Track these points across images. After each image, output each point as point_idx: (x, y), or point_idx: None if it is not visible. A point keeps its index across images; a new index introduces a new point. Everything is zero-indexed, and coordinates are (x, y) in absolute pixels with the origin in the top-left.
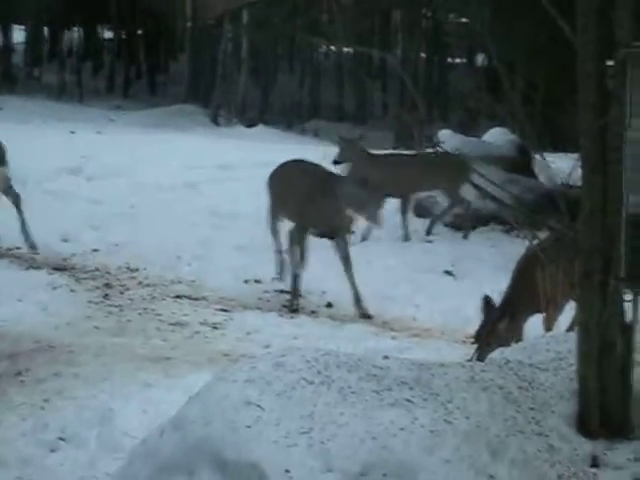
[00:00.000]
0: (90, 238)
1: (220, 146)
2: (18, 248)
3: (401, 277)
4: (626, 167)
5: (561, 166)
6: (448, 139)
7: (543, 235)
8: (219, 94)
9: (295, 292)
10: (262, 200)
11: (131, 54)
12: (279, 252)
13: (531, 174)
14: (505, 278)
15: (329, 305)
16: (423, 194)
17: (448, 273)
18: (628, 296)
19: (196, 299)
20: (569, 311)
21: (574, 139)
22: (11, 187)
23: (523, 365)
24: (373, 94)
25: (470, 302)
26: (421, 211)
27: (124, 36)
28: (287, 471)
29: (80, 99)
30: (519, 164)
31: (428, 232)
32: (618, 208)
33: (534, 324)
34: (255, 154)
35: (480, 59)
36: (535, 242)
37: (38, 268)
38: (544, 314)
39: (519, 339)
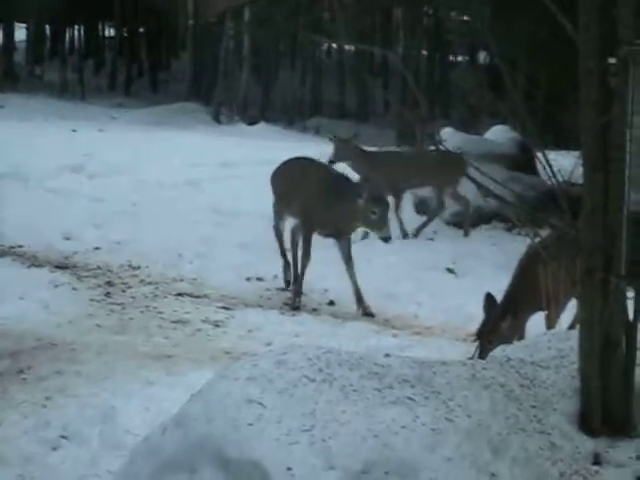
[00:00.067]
0: (92, 236)
1: (222, 144)
2: (20, 246)
3: (402, 275)
4: (628, 165)
5: (563, 164)
6: (450, 137)
7: (545, 233)
8: (221, 92)
9: (298, 290)
10: (264, 198)
11: (133, 52)
12: (284, 256)
13: (533, 172)
14: (506, 276)
15: (331, 303)
16: (423, 191)
17: (449, 271)
18: (630, 293)
19: (198, 297)
20: (571, 309)
21: (576, 137)
22: None
23: (525, 363)
24: (375, 92)
25: (471, 300)
26: (423, 208)
27: (126, 34)
28: (289, 469)
29: (82, 97)
30: (521, 162)
31: (416, 233)
32: (619, 206)
33: (536, 322)
34: (257, 152)
35: (482, 57)
36: (537, 240)
37: (40, 266)
38: (546, 312)
39: (521, 337)
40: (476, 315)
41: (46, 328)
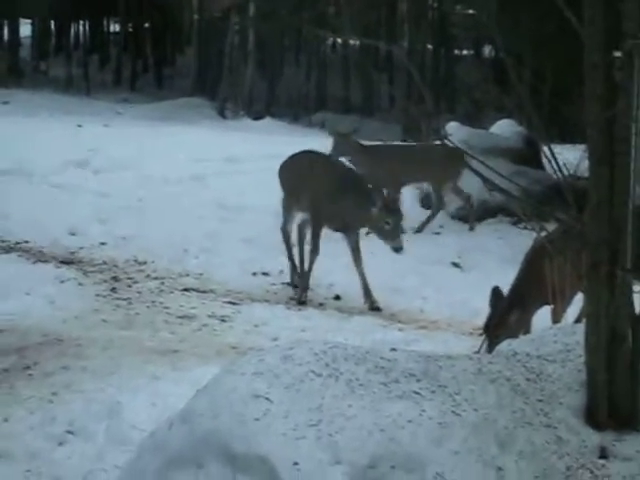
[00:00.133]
0: (97, 231)
1: (227, 139)
2: (26, 242)
3: (408, 269)
4: (633, 158)
5: (568, 157)
6: (455, 131)
7: (551, 227)
8: (226, 87)
9: (304, 285)
10: (269, 193)
11: (138, 47)
12: (291, 260)
13: (538, 166)
14: (512, 270)
15: (337, 297)
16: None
17: (455, 265)
18: (636, 287)
19: (204, 292)
20: (577, 303)
21: (581, 130)
22: None
23: (531, 357)
24: (380, 86)
25: (477, 294)
26: (428, 203)
27: (131, 29)
28: (295, 464)
29: (87, 92)
30: (526, 156)
31: (420, 228)
32: (625, 200)
33: (542, 316)
34: (262, 147)
35: (487, 51)
36: (543, 234)
37: (46, 262)
38: (552, 306)
39: (527, 331)
40: (482, 309)
41: (52, 324)
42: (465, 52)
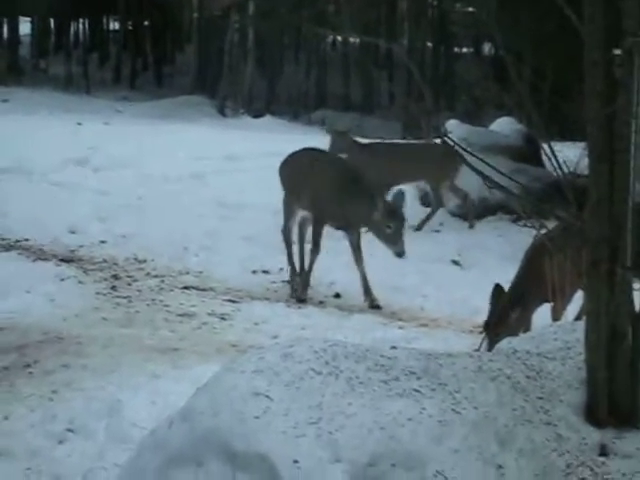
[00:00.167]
0: (97, 229)
1: (227, 137)
2: (26, 240)
3: (408, 267)
4: (633, 156)
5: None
6: (455, 129)
7: (551, 224)
8: (226, 85)
9: (305, 283)
10: (269, 191)
11: (138, 45)
12: (292, 264)
13: (538, 163)
14: (512, 267)
15: (337, 295)
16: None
17: (455, 263)
18: (636, 285)
19: (204, 290)
20: (577, 300)
21: (581, 128)
22: None
23: (531, 354)
24: (380, 84)
25: (477, 292)
26: (428, 200)
27: (131, 27)
28: (295, 461)
29: (87, 90)
30: (526, 153)
31: (420, 227)
32: (625, 197)
33: (542, 314)
34: (262, 145)
35: (487, 48)
36: (543, 232)
37: (46, 260)
38: (552, 304)
39: (527, 329)
40: (482, 307)
41: (52, 322)
42: (465, 50)
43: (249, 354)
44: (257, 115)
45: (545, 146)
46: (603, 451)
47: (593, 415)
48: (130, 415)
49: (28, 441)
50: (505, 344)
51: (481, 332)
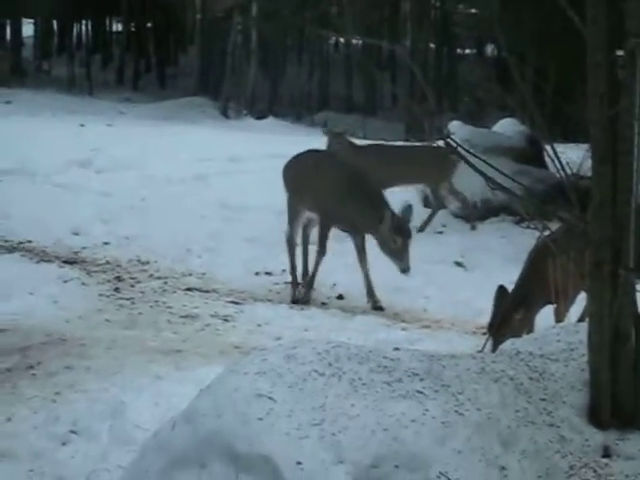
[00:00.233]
0: (100, 231)
1: (230, 138)
2: (29, 241)
3: (411, 269)
4: (636, 157)
5: (571, 156)
6: (458, 130)
7: (554, 226)
8: (228, 86)
9: (310, 284)
10: (272, 192)
11: (140, 47)
12: (293, 273)
13: (541, 165)
14: (516, 269)
15: (340, 297)
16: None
17: (458, 264)
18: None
19: (207, 291)
20: (580, 302)
21: (584, 129)
22: None
23: (534, 356)
24: (382, 85)
25: (480, 293)
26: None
27: (133, 29)
28: (299, 463)
29: (90, 92)
30: (529, 155)
31: (422, 228)
32: (628, 198)
33: (545, 315)
34: (265, 146)
35: (489, 49)
36: (546, 233)
37: (49, 261)
38: (555, 305)
39: (530, 330)
40: (485, 308)
41: (55, 323)
42: (468, 51)
43: (252, 356)
44: (260, 116)
45: (548, 147)
46: (606, 453)
47: (596, 417)
48: (133, 417)
49: (31, 443)
50: (508, 345)
51: (484, 333)
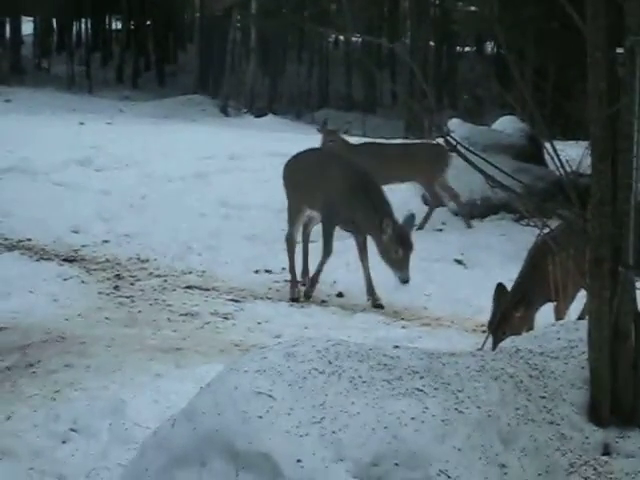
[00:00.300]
0: (100, 229)
1: (229, 136)
2: (29, 240)
3: (411, 266)
4: (635, 155)
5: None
6: (457, 128)
7: (554, 224)
8: (228, 84)
9: (314, 281)
10: (272, 190)
11: (140, 45)
12: (293, 273)
13: (541, 162)
14: (515, 267)
15: (340, 295)
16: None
17: (458, 262)
18: (639, 284)
19: (207, 289)
20: (580, 299)
21: (584, 127)
22: None
23: (534, 354)
24: (382, 83)
25: (480, 291)
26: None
27: (133, 27)
28: (299, 461)
29: (89, 90)
30: (529, 152)
31: (420, 226)
32: (627, 196)
33: (545, 313)
34: (264, 144)
35: (489, 47)
36: (546, 231)
37: (49, 259)
38: (555, 303)
39: (530, 328)
40: (485, 306)
41: (55, 321)
42: (467, 49)
43: (252, 354)
44: (259, 114)
45: (548, 145)
46: (606, 450)
47: (596, 414)
48: (133, 415)
49: (31, 441)
50: (508, 343)
51: (484, 331)
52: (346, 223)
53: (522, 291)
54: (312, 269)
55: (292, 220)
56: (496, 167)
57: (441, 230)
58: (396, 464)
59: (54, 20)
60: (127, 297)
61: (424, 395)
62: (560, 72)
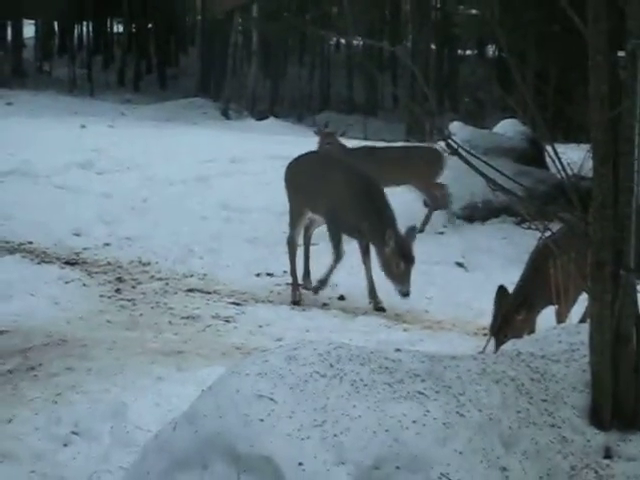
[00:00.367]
0: (102, 232)
1: (231, 139)
2: (30, 243)
3: (412, 271)
4: (637, 158)
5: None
6: (459, 131)
7: (555, 227)
8: (229, 87)
9: (323, 281)
10: (273, 193)
11: (141, 48)
12: (294, 275)
13: (542, 165)
14: (516, 270)
15: (341, 298)
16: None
17: (459, 265)
18: None
19: (208, 293)
20: (581, 303)
21: (585, 130)
22: None
23: (535, 357)
24: (383, 86)
25: (481, 294)
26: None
27: (134, 30)
28: (300, 464)
29: (91, 93)
30: (530, 155)
31: (421, 228)
32: (629, 199)
33: (546, 316)
34: (266, 147)
35: (490, 50)
36: (547, 234)
37: (50, 262)
38: (556, 306)
39: (531, 331)
40: (486, 309)
41: (56, 324)
42: (468, 52)
43: (253, 357)
44: (261, 117)
45: (549, 148)
46: (607, 454)
47: (597, 417)
48: (135, 418)
49: (32, 444)
50: (509, 346)
51: (485, 334)
52: (352, 231)
53: (524, 294)
54: (313, 272)
55: (293, 223)
56: (497, 170)
57: (442, 233)
58: (397, 467)
59: (56, 23)
60: (128, 300)
61: (425, 398)
62: (561, 75)
